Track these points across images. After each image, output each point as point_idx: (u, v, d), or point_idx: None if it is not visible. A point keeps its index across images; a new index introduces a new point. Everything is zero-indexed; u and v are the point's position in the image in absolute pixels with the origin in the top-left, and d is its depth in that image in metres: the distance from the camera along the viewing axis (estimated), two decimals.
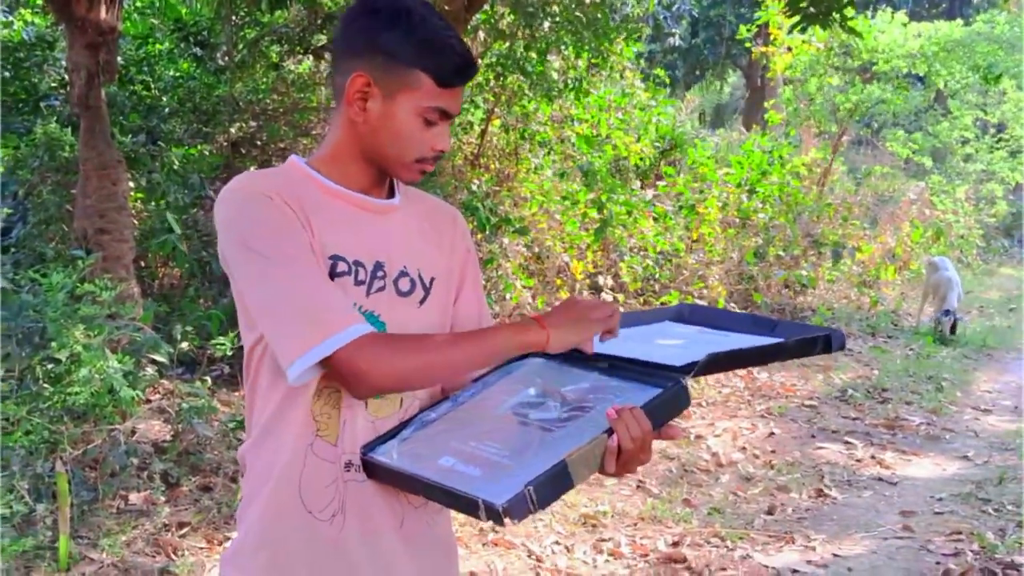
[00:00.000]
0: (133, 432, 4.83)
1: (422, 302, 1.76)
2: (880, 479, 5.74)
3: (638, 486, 5.40)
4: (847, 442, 6.42)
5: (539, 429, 1.57)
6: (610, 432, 1.51)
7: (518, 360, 1.78)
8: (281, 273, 1.60)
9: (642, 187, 10.82)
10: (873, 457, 6.12)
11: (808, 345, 1.71)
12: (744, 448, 6.20)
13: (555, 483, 1.44)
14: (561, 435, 1.54)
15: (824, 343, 1.72)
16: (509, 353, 1.66)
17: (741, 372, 8.18)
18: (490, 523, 4.49)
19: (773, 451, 6.18)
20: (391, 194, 1.80)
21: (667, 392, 1.57)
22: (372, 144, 1.69)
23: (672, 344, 1.76)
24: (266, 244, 1.61)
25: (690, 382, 1.59)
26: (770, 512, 5.13)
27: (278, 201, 1.62)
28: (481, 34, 9.80)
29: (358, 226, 1.72)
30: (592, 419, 1.55)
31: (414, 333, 1.67)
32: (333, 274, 1.65)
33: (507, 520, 1.40)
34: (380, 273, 1.71)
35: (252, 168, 7.85)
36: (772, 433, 6.56)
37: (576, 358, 1.73)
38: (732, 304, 9.16)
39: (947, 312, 10.11)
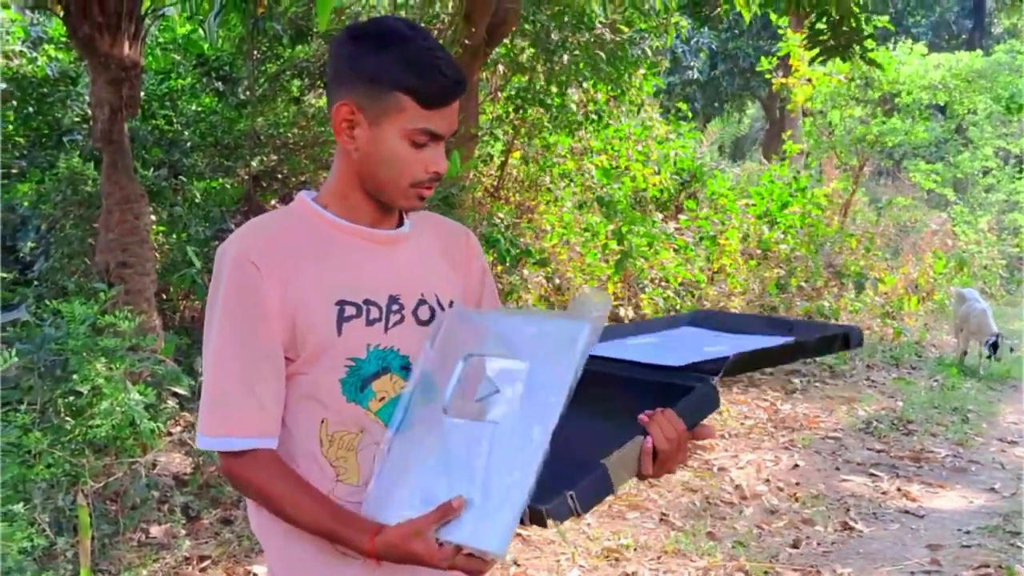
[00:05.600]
0: (154, 465, 4.83)
1: None
2: (906, 512, 5.67)
3: (661, 519, 5.36)
4: (872, 474, 6.35)
5: (490, 421, 1.57)
6: (645, 434, 1.53)
7: None
8: (221, 358, 1.66)
9: (663, 219, 10.81)
10: (899, 489, 6.05)
11: (828, 342, 1.74)
12: (768, 480, 6.13)
13: (596, 488, 1.47)
14: (515, 427, 1.52)
15: (843, 340, 1.72)
16: (338, 541, 1.63)
17: (763, 404, 8.12)
18: (512, 555, 4.45)
19: (797, 483, 6.11)
20: (401, 221, 1.80)
21: (697, 393, 1.59)
22: (366, 173, 1.68)
23: (693, 349, 1.75)
24: (223, 322, 1.66)
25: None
26: (795, 545, 5.07)
27: (262, 273, 1.64)
28: (501, 68, 9.86)
29: (369, 262, 1.72)
30: (534, 389, 1.54)
31: (297, 475, 1.67)
32: (341, 320, 1.66)
33: (549, 521, 1.44)
34: (396, 307, 1.71)
35: (273, 201, 7.89)
36: (796, 465, 6.49)
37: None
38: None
39: (998, 336, 9.89)
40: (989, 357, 9.85)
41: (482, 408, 1.59)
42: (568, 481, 1.45)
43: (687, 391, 1.60)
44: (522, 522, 1.45)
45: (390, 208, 1.75)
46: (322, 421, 1.68)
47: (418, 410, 1.67)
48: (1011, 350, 10.01)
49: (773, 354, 1.69)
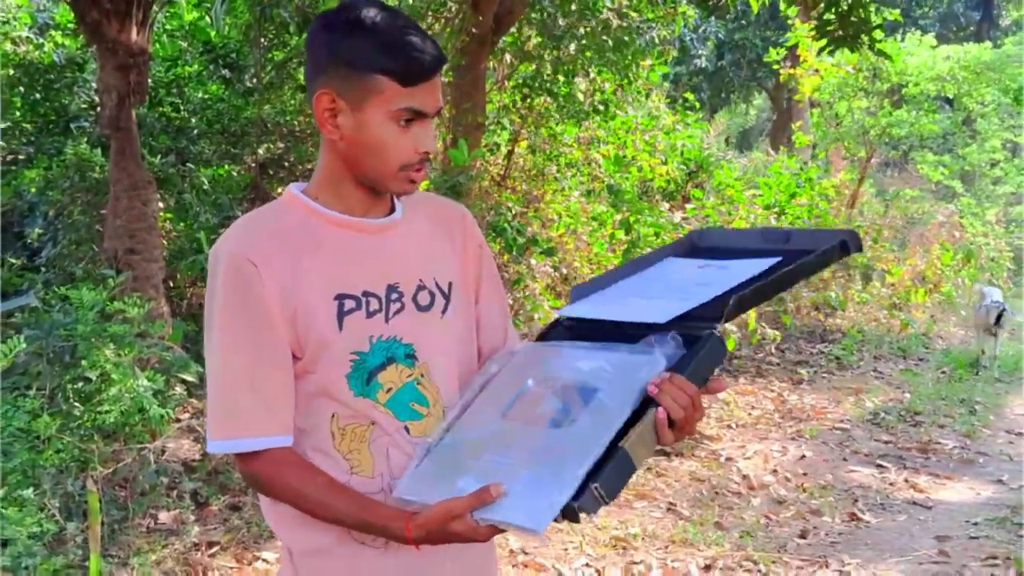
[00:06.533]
0: (163, 451, 4.83)
1: (444, 311, 1.75)
2: (914, 503, 5.66)
3: (669, 508, 5.35)
4: (880, 465, 6.34)
5: (550, 427, 1.55)
6: (656, 405, 1.50)
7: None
8: (225, 361, 1.64)
9: (670, 209, 10.79)
10: (906, 481, 6.04)
11: (826, 256, 1.67)
12: (776, 471, 6.13)
13: (619, 473, 1.45)
14: (576, 432, 1.51)
15: (842, 249, 1.68)
16: (371, 531, 1.63)
17: (771, 394, 8.12)
18: (520, 543, 4.45)
19: (805, 474, 6.11)
20: (392, 207, 1.78)
21: (702, 347, 1.55)
22: (354, 160, 1.66)
23: (679, 293, 1.68)
24: (224, 325, 1.64)
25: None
26: (803, 536, 5.07)
27: (260, 271, 1.62)
28: (508, 56, 9.83)
29: (363, 253, 1.70)
30: (601, 406, 1.52)
31: (318, 469, 1.66)
32: (341, 314, 1.64)
33: (582, 515, 1.42)
34: (395, 295, 1.69)
35: (280, 189, 7.88)
36: (804, 456, 6.49)
37: (581, 335, 1.71)
38: (763, 325, 9.08)
39: (995, 302, 9.75)
40: (990, 321, 9.65)
41: (541, 417, 1.58)
42: (591, 469, 1.44)
43: (690, 341, 1.56)
44: (555, 520, 1.43)
45: (381, 195, 1.73)
46: (332, 415, 1.66)
47: (473, 413, 1.66)
48: (1000, 315, 9.65)
49: (773, 285, 1.62)
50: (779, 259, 1.67)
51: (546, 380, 1.64)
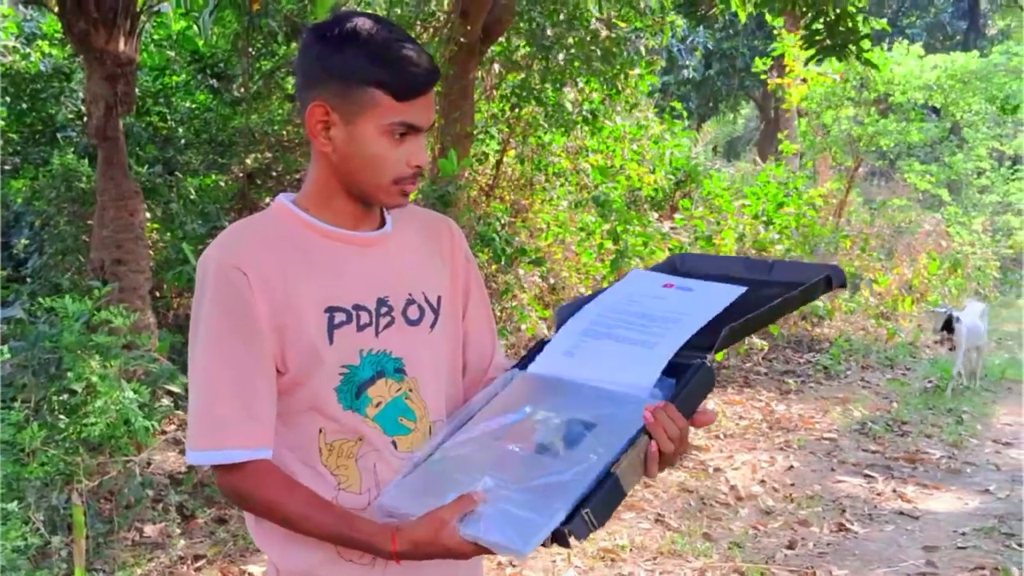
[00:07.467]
0: (148, 463, 4.81)
1: (433, 325, 1.74)
2: (902, 513, 5.66)
3: (657, 520, 5.34)
4: (867, 475, 6.34)
5: (545, 453, 1.53)
6: (649, 435, 1.48)
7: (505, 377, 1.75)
8: (210, 371, 1.62)
9: (658, 219, 10.80)
10: (894, 491, 6.04)
11: (811, 291, 1.66)
12: (763, 481, 6.13)
13: (609, 499, 1.43)
14: (571, 459, 1.49)
15: (826, 284, 1.67)
16: (353, 545, 1.60)
17: (758, 404, 8.12)
18: (506, 558, 4.44)
19: (793, 484, 6.10)
20: (383, 220, 1.77)
21: (692, 377, 1.53)
22: (346, 173, 1.64)
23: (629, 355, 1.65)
24: (210, 334, 1.62)
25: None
26: (791, 546, 5.06)
27: (250, 280, 1.60)
28: (496, 66, 9.85)
29: (354, 266, 1.69)
30: (597, 439, 1.51)
31: (299, 483, 1.63)
32: (332, 327, 1.63)
33: (572, 540, 1.40)
34: (385, 309, 1.68)
35: (267, 199, 7.87)
36: (791, 466, 6.49)
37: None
38: (751, 335, 9.07)
39: (944, 308, 9.33)
40: (939, 342, 9.21)
41: (537, 443, 1.55)
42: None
43: (679, 368, 1.55)
44: (543, 544, 1.42)
45: (371, 208, 1.72)
46: (320, 430, 1.65)
47: (466, 432, 1.64)
48: (954, 321, 8.86)
49: (761, 318, 1.61)
50: (746, 288, 1.65)
51: (545, 410, 1.62)
